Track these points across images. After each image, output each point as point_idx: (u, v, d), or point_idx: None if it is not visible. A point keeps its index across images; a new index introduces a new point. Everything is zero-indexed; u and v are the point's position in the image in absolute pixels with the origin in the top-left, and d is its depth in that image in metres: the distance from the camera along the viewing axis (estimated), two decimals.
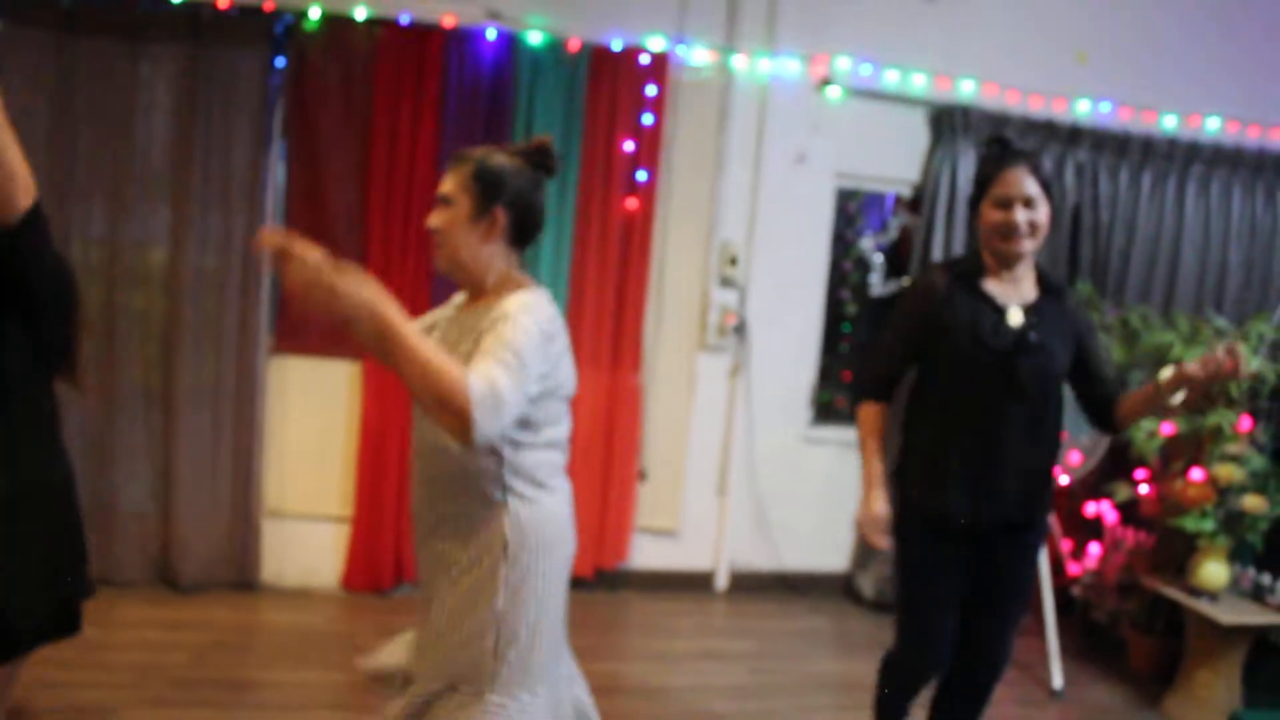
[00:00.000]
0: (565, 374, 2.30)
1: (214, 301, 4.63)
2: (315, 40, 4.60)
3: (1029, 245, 2.81)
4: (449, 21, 4.66)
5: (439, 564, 2.33)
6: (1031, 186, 2.78)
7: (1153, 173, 5.43)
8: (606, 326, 4.94)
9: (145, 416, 4.65)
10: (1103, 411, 2.98)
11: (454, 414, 1.93)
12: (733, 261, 5.12)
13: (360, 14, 4.60)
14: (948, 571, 2.95)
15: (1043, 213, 2.80)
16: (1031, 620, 4.74)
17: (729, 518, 5.31)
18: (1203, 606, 4.22)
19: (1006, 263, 2.86)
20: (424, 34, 4.63)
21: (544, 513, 2.30)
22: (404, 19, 4.62)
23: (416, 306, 4.64)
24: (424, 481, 2.34)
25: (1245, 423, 4.37)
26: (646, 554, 5.24)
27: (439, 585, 2.33)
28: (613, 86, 4.86)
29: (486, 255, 2.29)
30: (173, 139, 4.56)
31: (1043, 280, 2.92)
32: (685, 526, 5.28)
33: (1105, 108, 5.41)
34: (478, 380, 1.96)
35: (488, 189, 2.27)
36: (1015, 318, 2.82)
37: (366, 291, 1.86)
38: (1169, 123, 5.48)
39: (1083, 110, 5.39)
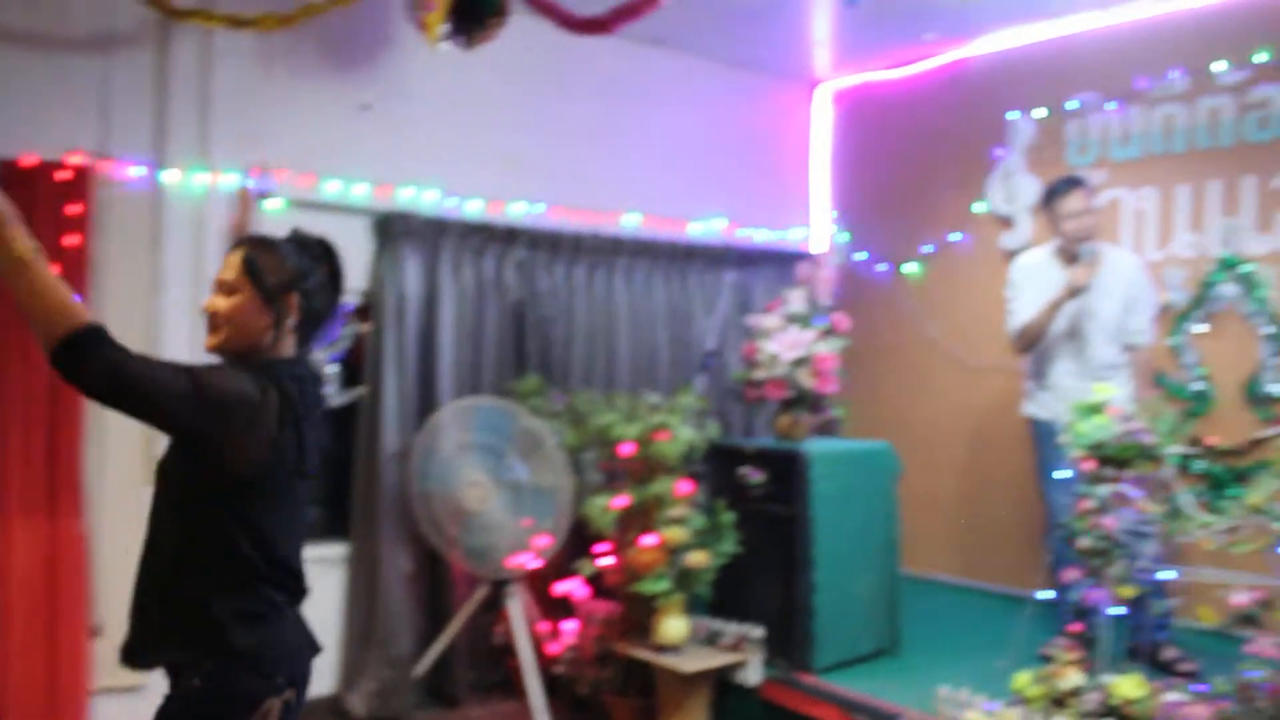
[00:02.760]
0: None
1: None
2: None
3: (211, 339, 2.40)
4: None
5: None
6: (229, 271, 2.38)
7: (585, 267, 5.89)
8: (38, 470, 4.45)
9: None
10: None
11: None
12: None
13: None
14: None
15: (229, 301, 2.37)
16: (519, 706, 4.88)
17: None
18: (666, 660, 4.56)
19: None
20: None
21: None
22: None
23: None
24: None
25: (685, 487, 4.80)
26: (111, 715, 4.76)
27: None
28: (28, 205, 4.46)
29: None
30: None
31: None
32: (155, 678, 4.85)
33: (539, 208, 5.81)
34: None
35: None
36: None
37: None
38: (595, 220, 5.99)
39: (517, 212, 5.74)
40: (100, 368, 2.03)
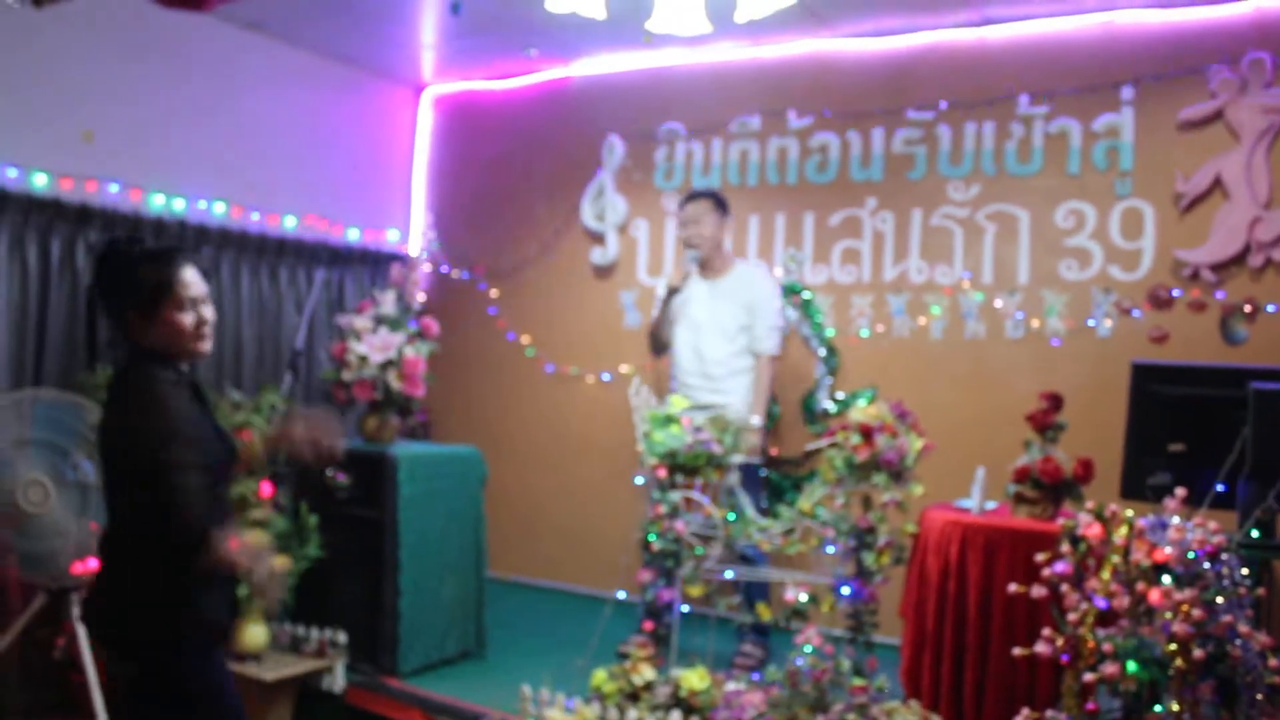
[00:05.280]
0: None
1: None
2: None
3: None
4: None
5: None
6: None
7: None
8: None
9: None
10: None
11: None
12: None
13: None
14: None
15: None
16: None
17: None
18: (247, 669, 4.39)
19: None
20: None
21: None
22: None
23: None
24: None
25: (266, 489, 4.64)
26: None
27: None
28: None
29: None
30: None
31: None
32: None
33: (114, 188, 5.39)
34: None
35: None
36: None
37: None
38: (177, 205, 5.64)
39: (91, 190, 5.30)
40: None
